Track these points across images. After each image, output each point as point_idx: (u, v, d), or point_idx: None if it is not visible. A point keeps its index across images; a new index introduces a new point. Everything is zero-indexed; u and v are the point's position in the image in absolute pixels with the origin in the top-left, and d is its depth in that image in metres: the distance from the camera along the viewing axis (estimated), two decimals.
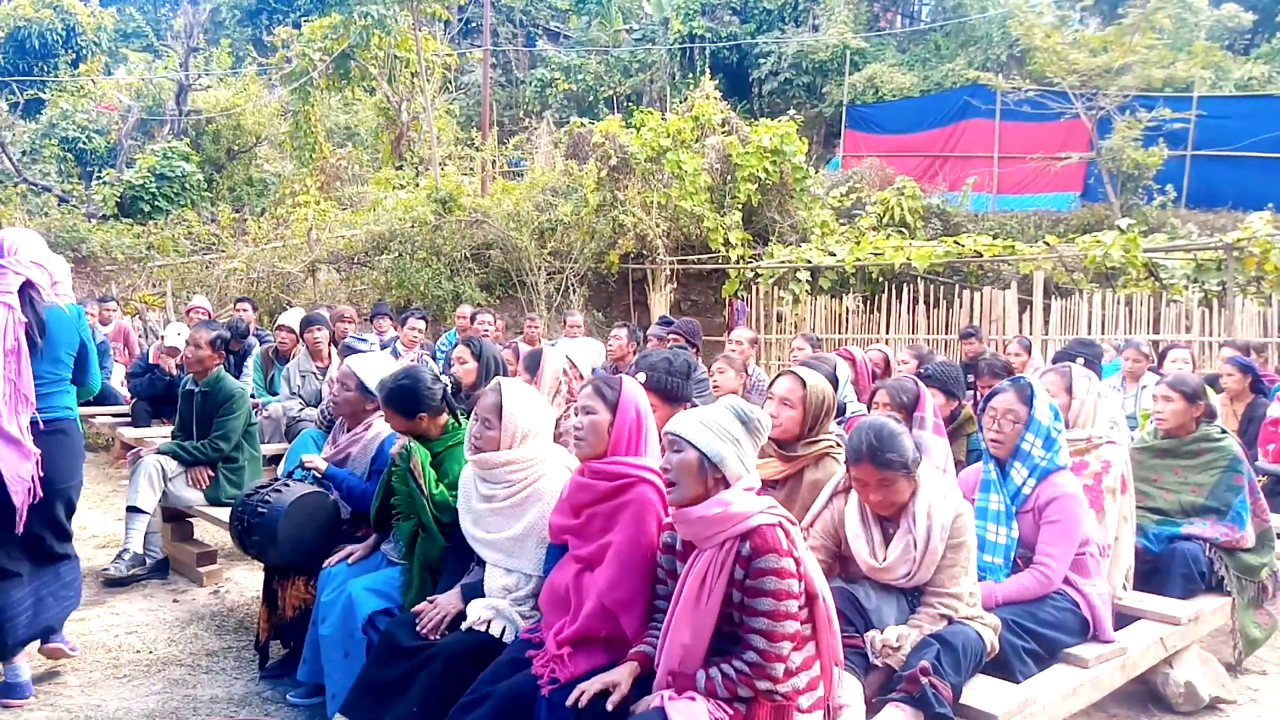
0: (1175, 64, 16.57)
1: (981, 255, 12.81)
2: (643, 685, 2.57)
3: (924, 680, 2.63)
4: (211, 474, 5.32)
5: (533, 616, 3.02)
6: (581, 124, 16.78)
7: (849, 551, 3.08)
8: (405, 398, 3.58)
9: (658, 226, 14.09)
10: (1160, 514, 4.25)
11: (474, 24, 25.22)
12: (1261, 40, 20.53)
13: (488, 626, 2.99)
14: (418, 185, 16.51)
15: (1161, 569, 4.02)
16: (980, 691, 2.89)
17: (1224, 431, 4.39)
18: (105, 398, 8.67)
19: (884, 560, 2.95)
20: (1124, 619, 3.67)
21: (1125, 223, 12.38)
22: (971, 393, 6.32)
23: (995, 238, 13.70)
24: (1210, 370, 7.87)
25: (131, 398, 8.09)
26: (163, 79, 21.55)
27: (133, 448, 6.53)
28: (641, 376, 3.55)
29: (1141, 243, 11.69)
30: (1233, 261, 10.86)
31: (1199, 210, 16.01)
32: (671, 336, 7.07)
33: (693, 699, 2.41)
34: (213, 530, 5.73)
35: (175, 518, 5.53)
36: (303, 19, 21.08)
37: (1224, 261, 11.16)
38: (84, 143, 19.86)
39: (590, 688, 2.51)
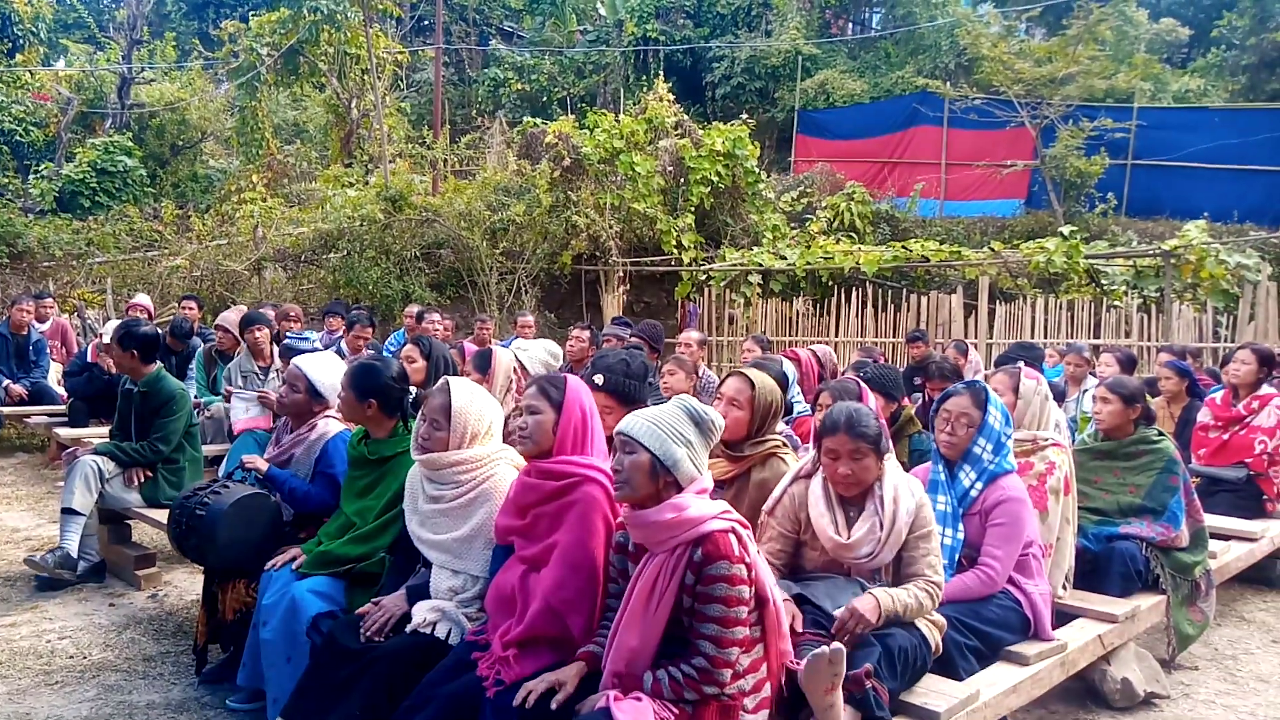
0: (1116, 75, 17.02)
1: (929, 260, 13.03)
2: (589, 685, 2.55)
3: (867, 683, 2.65)
4: (149, 473, 5.17)
5: (479, 619, 2.98)
6: (535, 124, 16.70)
7: (808, 536, 3.10)
8: (366, 376, 3.56)
9: (610, 228, 14.08)
10: (1099, 514, 4.35)
11: (426, 21, 24.99)
12: (1197, 55, 21.16)
13: (433, 629, 2.95)
14: (367, 183, 16.30)
15: (1100, 568, 4.11)
16: (923, 688, 2.91)
17: (1161, 434, 4.50)
18: (41, 396, 8.45)
19: (849, 538, 2.98)
20: (1064, 617, 3.73)
21: (1068, 230, 12.65)
22: (920, 395, 6.41)
23: (942, 243, 13.96)
24: (1149, 374, 8.06)
25: (69, 397, 7.88)
26: (104, 71, 21.02)
27: (69, 448, 6.35)
28: (599, 378, 3.51)
29: (1083, 249, 11.99)
30: (1170, 268, 11.16)
31: (1138, 218, 16.44)
32: (633, 338, 7.04)
33: (638, 699, 2.39)
34: (151, 533, 5.59)
35: (112, 519, 5.36)
36: (251, 13, 20.72)
37: (1162, 268, 11.47)
38: (21, 135, 19.26)
39: (536, 686, 2.49)
